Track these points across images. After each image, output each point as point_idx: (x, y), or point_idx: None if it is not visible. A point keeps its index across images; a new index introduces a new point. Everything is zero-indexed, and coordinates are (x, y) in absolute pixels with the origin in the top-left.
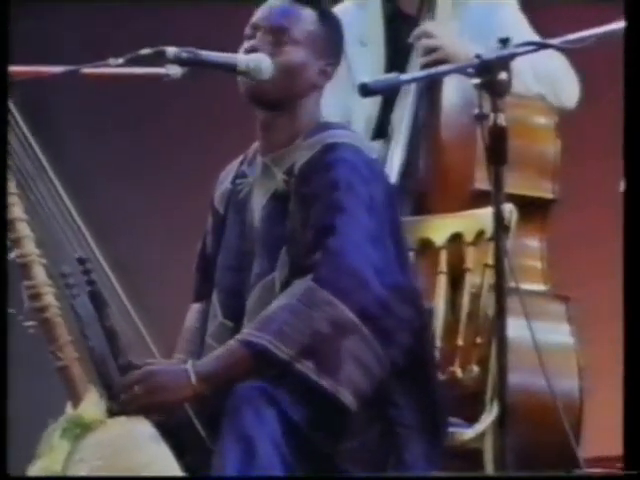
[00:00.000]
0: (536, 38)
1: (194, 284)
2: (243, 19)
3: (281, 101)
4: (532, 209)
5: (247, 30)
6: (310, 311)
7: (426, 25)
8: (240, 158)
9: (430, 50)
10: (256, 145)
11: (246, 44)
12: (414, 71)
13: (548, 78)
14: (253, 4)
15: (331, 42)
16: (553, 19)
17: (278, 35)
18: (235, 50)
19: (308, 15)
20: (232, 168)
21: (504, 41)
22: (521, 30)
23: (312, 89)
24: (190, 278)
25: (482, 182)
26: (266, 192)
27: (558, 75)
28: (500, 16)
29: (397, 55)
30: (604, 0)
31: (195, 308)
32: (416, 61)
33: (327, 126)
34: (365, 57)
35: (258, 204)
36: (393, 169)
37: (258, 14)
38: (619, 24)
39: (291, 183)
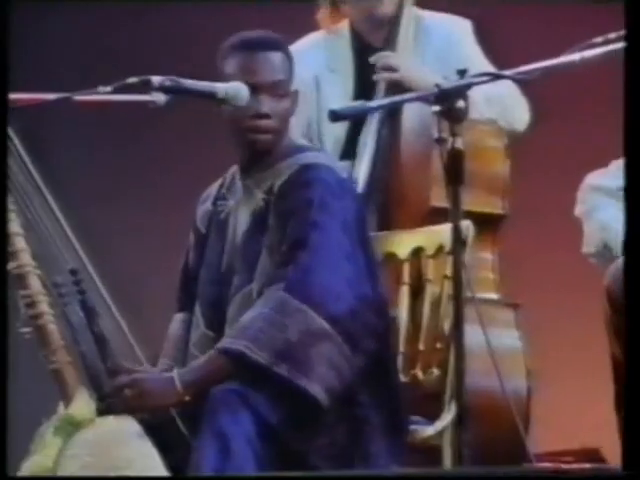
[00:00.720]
0: (490, 68)
1: (177, 296)
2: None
3: (274, 143)
4: (484, 224)
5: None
6: (283, 319)
7: (388, 58)
8: (219, 181)
9: (392, 83)
10: (234, 169)
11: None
12: (379, 98)
13: (499, 104)
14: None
15: (292, 71)
16: (553, 19)
17: (274, 88)
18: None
19: (278, 59)
20: (212, 191)
21: (461, 72)
22: (477, 61)
23: (289, 123)
24: (172, 289)
25: (438, 200)
26: (247, 211)
27: (508, 101)
28: (458, 48)
29: (364, 83)
30: (604, 0)
31: (178, 317)
32: (381, 89)
33: (303, 148)
34: (334, 83)
35: (241, 223)
36: (358, 187)
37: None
38: (573, 56)
39: (270, 201)
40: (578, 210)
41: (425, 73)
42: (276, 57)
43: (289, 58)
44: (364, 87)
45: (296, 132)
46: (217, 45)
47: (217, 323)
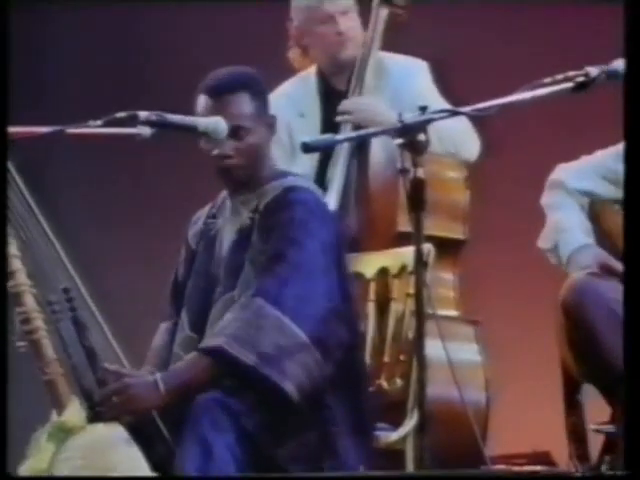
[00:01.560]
0: (445, 104)
1: (166, 305)
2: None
3: (248, 171)
4: (446, 248)
5: None
6: (258, 321)
7: (344, 104)
8: (210, 204)
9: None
10: (224, 194)
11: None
12: (345, 126)
13: (450, 138)
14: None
15: (265, 101)
16: (553, 19)
17: (236, 133)
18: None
19: (244, 100)
20: (203, 212)
21: (422, 108)
22: (432, 97)
23: (268, 147)
24: (155, 306)
25: (404, 225)
26: (234, 227)
27: (459, 136)
28: (415, 85)
29: (331, 125)
30: (604, 0)
31: (163, 327)
32: (346, 130)
33: (287, 173)
34: (304, 127)
35: (227, 238)
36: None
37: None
38: (525, 95)
39: (255, 219)
40: (543, 200)
41: (380, 112)
42: (238, 98)
43: (258, 94)
44: (331, 129)
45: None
46: (217, 45)
47: (200, 326)
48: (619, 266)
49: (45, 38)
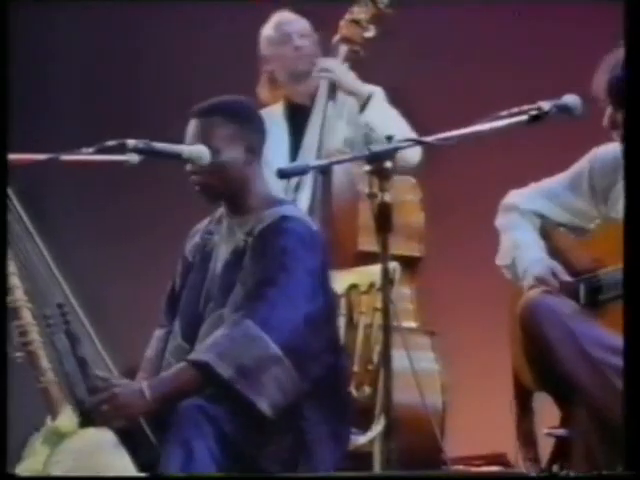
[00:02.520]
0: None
1: (161, 314)
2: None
3: (228, 194)
4: (404, 264)
5: None
6: (245, 342)
7: (326, 61)
8: (208, 219)
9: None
10: (222, 209)
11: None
12: (308, 147)
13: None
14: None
15: (244, 126)
16: (554, 19)
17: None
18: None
19: (216, 123)
20: (201, 226)
21: (389, 138)
22: (383, 124)
23: (247, 169)
24: (144, 319)
25: (364, 245)
26: (229, 247)
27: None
28: (368, 112)
29: (296, 145)
30: (604, 0)
31: (157, 334)
32: (309, 143)
33: (282, 201)
34: (272, 147)
35: (222, 256)
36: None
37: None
38: (484, 126)
39: (249, 242)
40: (497, 222)
41: (353, 76)
42: (209, 121)
43: (233, 118)
44: (297, 149)
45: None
46: (216, 46)
47: (191, 336)
48: (569, 279)
49: (45, 38)
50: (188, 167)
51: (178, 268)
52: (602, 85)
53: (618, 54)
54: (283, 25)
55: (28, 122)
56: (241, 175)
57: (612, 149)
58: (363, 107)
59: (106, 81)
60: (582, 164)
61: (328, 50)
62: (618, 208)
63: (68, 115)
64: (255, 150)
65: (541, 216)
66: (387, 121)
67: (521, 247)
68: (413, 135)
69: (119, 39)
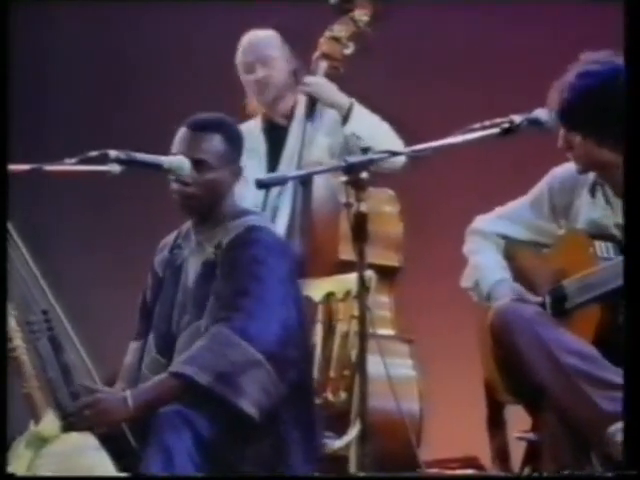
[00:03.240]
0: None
1: (136, 327)
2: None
3: (208, 207)
4: (383, 274)
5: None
6: (225, 350)
7: (308, 78)
8: (175, 233)
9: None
10: (189, 224)
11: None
12: (287, 159)
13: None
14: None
15: (235, 149)
16: (554, 18)
17: (199, 166)
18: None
19: (216, 140)
20: (169, 240)
21: (365, 150)
22: (365, 134)
23: (229, 189)
24: (125, 326)
25: (345, 254)
26: (199, 261)
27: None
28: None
29: (274, 158)
30: (604, 0)
31: (133, 346)
32: (288, 155)
33: (247, 212)
34: (251, 159)
35: (193, 270)
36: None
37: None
38: (457, 139)
39: (218, 255)
40: (464, 248)
41: (334, 92)
42: (210, 137)
43: (230, 141)
44: (275, 161)
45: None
46: (215, 46)
47: (167, 350)
48: (532, 299)
49: (45, 38)
50: (172, 176)
51: (148, 282)
52: (554, 106)
53: (569, 76)
54: (247, 53)
55: (28, 121)
56: (222, 192)
57: (569, 168)
58: (346, 118)
59: (106, 81)
60: (542, 185)
61: (306, 59)
62: (578, 222)
63: (68, 115)
64: (238, 173)
65: (505, 237)
66: (372, 128)
67: (483, 269)
68: (397, 138)
69: (120, 39)
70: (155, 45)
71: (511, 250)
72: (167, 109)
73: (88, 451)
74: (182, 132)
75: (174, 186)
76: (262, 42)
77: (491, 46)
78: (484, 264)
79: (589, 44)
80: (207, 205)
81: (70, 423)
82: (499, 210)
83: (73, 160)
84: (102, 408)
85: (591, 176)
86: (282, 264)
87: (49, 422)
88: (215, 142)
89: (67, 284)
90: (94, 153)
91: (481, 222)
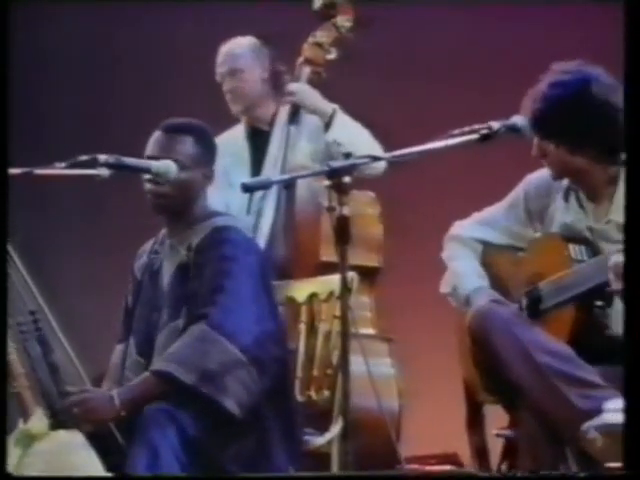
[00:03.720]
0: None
1: (120, 330)
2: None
3: (181, 208)
4: (364, 274)
5: None
6: (205, 347)
7: (290, 85)
8: (153, 240)
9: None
10: (164, 231)
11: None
12: (271, 164)
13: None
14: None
15: (207, 153)
16: (554, 18)
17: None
18: None
19: (188, 142)
20: (147, 247)
21: (347, 155)
22: (345, 141)
23: (201, 189)
24: (111, 327)
25: (326, 255)
26: (173, 264)
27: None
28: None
29: (257, 161)
30: (604, 0)
31: (118, 348)
32: (272, 160)
33: (215, 213)
34: (236, 164)
35: (167, 272)
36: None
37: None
38: (439, 144)
39: (190, 256)
40: (443, 254)
41: (317, 98)
42: (183, 139)
43: (202, 144)
44: (258, 165)
45: (211, 203)
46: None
47: (146, 350)
48: (508, 304)
49: (45, 38)
50: (146, 176)
51: (129, 287)
52: (528, 115)
53: (541, 86)
54: (220, 65)
55: (28, 121)
56: (193, 193)
57: (543, 174)
58: (328, 125)
59: (107, 82)
60: (517, 191)
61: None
62: (553, 226)
63: (67, 116)
64: (210, 176)
65: (482, 242)
66: (354, 136)
67: (461, 275)
68: (378, 145)
69: (120, 40)
70: (155, 46)
71: (488, 254)
72: (168, 109)
73: (76, 449)
74: (156, 135)
75: (147, 186)
76: (234, 53)
77: (489, 48)
78: (462, 271)
79: (589, 44)
80: (178, 205)
81: (58, 421)
82: (476, 216)
83: (63, 164)
84: (89, 406)
85: (565, 181)
86: (251, 260)
87: (38, 420)
88: (187, 144)
89: (55, 286)
90: (84, 157)
91: (459, 228)
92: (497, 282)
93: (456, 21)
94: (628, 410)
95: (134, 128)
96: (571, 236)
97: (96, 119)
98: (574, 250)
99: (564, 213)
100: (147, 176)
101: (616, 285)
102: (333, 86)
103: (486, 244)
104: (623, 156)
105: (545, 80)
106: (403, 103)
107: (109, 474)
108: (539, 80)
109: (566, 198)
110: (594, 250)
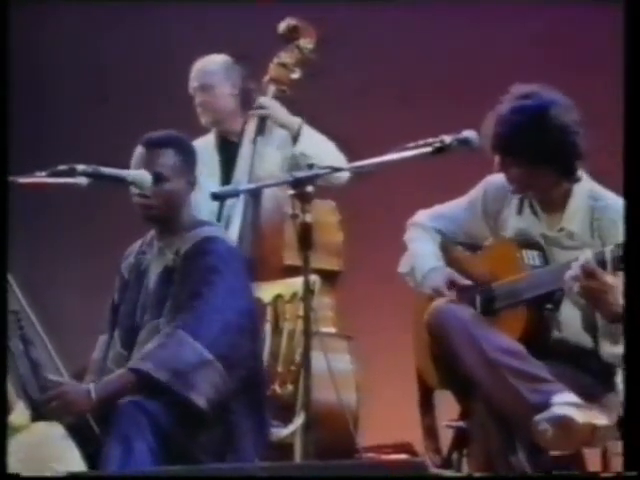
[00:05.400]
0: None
1: (105, 323)
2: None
3: (168, 216)
4: (325, 277)
5: None
6: (178, 348)
7: (260, 99)
8: (141, 240)
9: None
10: (152, 233)
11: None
12: (240, 174)
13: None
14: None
15: (188, 161)
16: (554, 18)
17: (156, 179)
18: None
19: (168, 154)
20: (135, 247)
21: (310, 166)
22: (312, 152)
23: (186, 198)
24: (89, 326)
25: (289, 259)
26: (159, 266)
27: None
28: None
29: (227, 170)
30: (604, 0)
31: (101, 340)
32: (241, 170)
33: (204, 223)
34: (206, 172)
35: (154, 273)
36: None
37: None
38: (393, 156)
39: (177, 261)
40: (405, 236)
41: (284, 113)
42: (164, 152)
43: (183, 154)
44: (228, 173)
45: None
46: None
47: (129, 344)
48: (465, 281)
49: (45, 38)
50: (134, 190)
51: (116, 284)
52: (489, 136)
53: (502, 110)
54: (192, 80)
55: (28, 120)
56: (179, 201)
57: (503, 179)
58: (296, 137)
59: (107, 82)
60: (477, 190)
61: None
62: (507, 228)
63: (68, 115)
64: (193, 182)
65: (441, 233)
66: (319, 148)
67: (419, 256)
68: (342, 156)
69: (121, 40)
70: (156, 46)
71: (445, 246)
72: (169, 110)
73: (55, 440)
74: (138, 150)
75: (135, 199)
76: (206, 70)
77: (488, 47)
78: (420, 252)
79: (589, 44)
80: (166, 214)
81: (39, 414)
82: (439, 208)
83: (44, 173)
84: (68, 400)
85: None
86: (233, 271)
87: (19, 413)
88: (168, 156)
89: (37, 287)
90: (63, 167)
91: (422, 216)
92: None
93: (450, 20)
94: (628, 410)
95: (135, 127)
96: (524, 242)
97: (96, 119)
98: (527, 256)
99: (518, 219)
100: (135, 190)
101: (572, 288)
102: (297, 102)
103: (444, 236)
104: (580, 173)
105: (506, 104)
106: (362, 118)
107: (88, 466)
108: (499, 102)
109: (521, 205)
110: (546, 256)
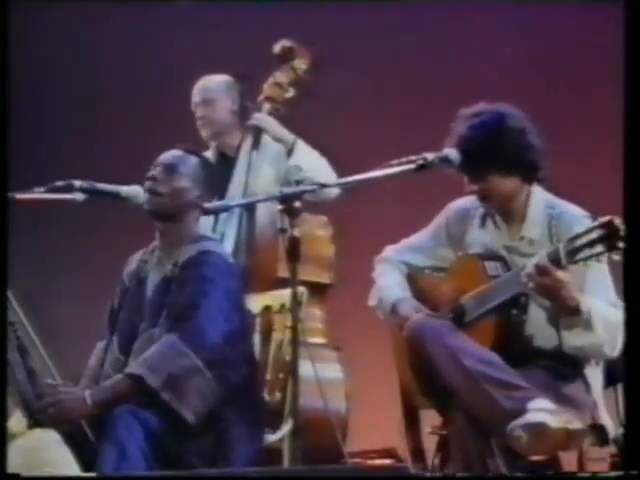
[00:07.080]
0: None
1: (103, 328)
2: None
3: (171, 214)
4: (316, 289)
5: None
6: (173, 358)
7: (257, 115)
8: (143, 250)
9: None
10: (155, 243)
11: (149, 174)
12: (233, 191)
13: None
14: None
15: (205, 178)
16: (554, 18)
17: (170, 169)
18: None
19: (193, 160)
20: (137, 255)
21: (298, 182)
22: (306, 167)
23: (193, 207)
24: (85, 335)
25: (283, 272)
26: (158, 276)
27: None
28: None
29: (222, 185)
30: (604, 0)
31: (99, 345)
32: (236, 184)
33: (203, 237)
34: None
35: (153, 282)
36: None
37: (159, 159)
38: (377, 173)
39: (175, 272)
40: (373, 274)
41: (278, 126)
42: (191, 158)
43: (204, 169)
44: (224, 188)
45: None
46: (213, 48)
47: (127, 350)
48: (430, 313)
49: (45, 39)
50: (145, 183)
51: (117, 290)
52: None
53: (461, 130)
54: (194, 95)
55: (29, 120)
56: (185, 201)
57: (462, 203)
58: (290, 151)
59: (108, 83)
60: (440, 218)
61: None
62: (473, 246)
63: (68, 115)
64: (203, 199)
65: (408, 264)
66: (313, 162)
67: (386, 288)
68: (332, 171)
69: (121, 41)
70: (156, 47)
71: (414, 276)
72: (170, 112)
73: (51, 446)
74: (158, 170)
75: (147, 184)
76: (207, 86)
77: (487, 48)
78: (387, 285)
79: (589, 44)
80: (170, 209)
81: (35, 420)
82: (405, 241)
83: (42, 189)
84: (64, 406)
85: (481, 208)
86: (228, 283)
87: (17, 420)
88: (192, 161)
89: (32, 298)
90: (60, 183)
91: (389, 251)
92: (422, 300)
93: (450, 19)
94: (628, 410)
95: (135, 127)
96: (487, 254)
97: (97, 120)
98: (490, 267)
99: (481, 235)
100: (149, 173)
101: (530, 287)
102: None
103: (411, 266)
104: (543, 173)
105: (461, 125)
106: (352, 135)
107: (83, 472)
108: (451, 128)
109: (483, 222)
110: (508, 265)
